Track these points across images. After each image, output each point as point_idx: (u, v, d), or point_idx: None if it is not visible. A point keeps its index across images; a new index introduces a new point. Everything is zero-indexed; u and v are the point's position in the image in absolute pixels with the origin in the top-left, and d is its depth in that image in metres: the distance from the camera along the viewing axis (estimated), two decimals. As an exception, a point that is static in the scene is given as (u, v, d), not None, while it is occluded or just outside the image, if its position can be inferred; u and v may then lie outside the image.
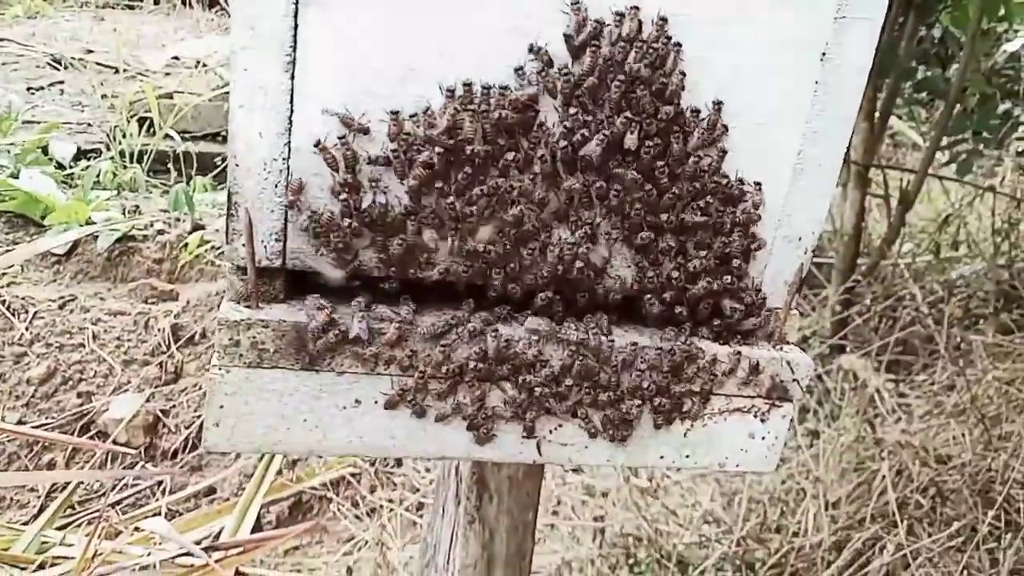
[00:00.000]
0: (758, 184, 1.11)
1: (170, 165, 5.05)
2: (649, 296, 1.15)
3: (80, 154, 5.04)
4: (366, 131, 1.02)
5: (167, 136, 5.06)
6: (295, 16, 0.96)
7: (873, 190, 4.21)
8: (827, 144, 1.11)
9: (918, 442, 3.06)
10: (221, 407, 1.04)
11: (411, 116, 1.02)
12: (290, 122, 1.00)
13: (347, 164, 1.02)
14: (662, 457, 1.19)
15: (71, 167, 4.81)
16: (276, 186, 1.02)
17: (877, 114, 3.85)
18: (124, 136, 5.01)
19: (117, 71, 6.11)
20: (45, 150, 4.85)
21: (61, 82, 6.28)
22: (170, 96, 5.52)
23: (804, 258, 1.16)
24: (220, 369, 1.03)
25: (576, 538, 3.16)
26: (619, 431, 1.14)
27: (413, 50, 1.00)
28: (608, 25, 1.02)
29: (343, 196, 1.03)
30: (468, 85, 1.01)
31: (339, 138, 1.01)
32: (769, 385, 1.18)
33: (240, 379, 1.03)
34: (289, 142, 1.01)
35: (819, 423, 3.40)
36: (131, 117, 5.18)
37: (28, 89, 6.04)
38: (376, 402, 1.08)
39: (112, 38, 7.02)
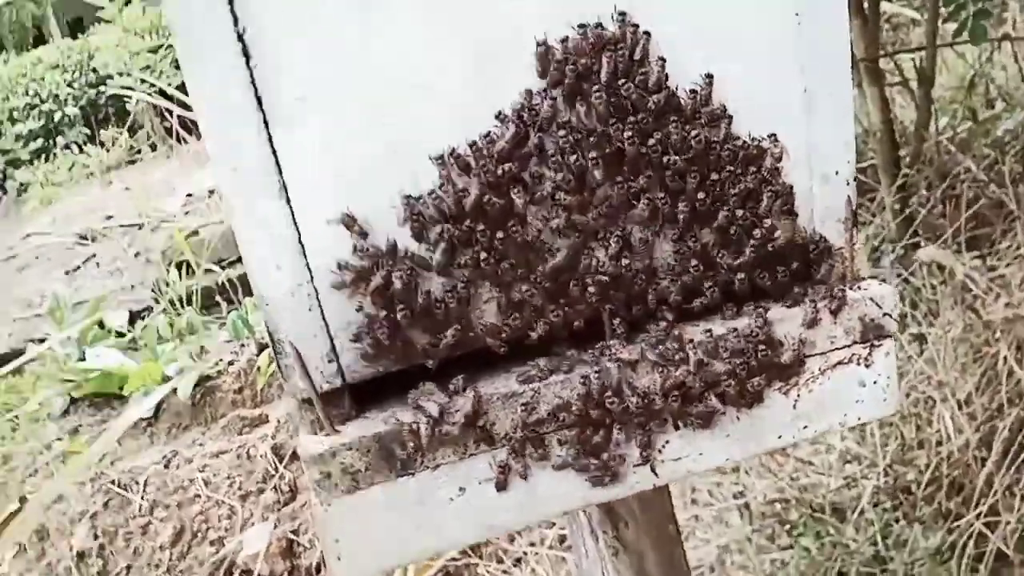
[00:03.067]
0: (772, 136, 1.07)
1: (218, 297, 5.16)
2: (708, 284, 1.10)
3: (134, 316, 5.19)
4: (364, 235, 1.00)
5: (207, 271, 5.18)
6: (270, 142, 0.96)
7: (889, 80, 4.07)
8: (828, 70, 1.06)
9: (1027, 309, 2.91)
10: (336, 541, 1.03)
11: (416, 198, 1.01)
12: (301, 245, 0.99)
13: (373, 268, 1.01)
14: (780, 437, 1.14)
15: (130, 331, 4.95)
16: (310, 310, 1.01)
17: (866, 4, 3.73)
18: (168, 285, 5.14)
19: (141, 226, 6.29)
20: (101, 324, 5.00)
21: (94, 255, 6.49)
22: (196, 232, 5.66)
23: (848, 190, 1.11)
24: (322, 505, 1.02)
25: (724, 521, 3.08)
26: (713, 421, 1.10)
27: (390, 135, 0.99)
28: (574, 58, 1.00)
29: (380, 299, 1.02)
30: (453, 149, 1.00)
31: (355, 248, 1.00)
32: (861, 328, 1.12)
33: (344, 509, 1.02)
34: (307, 263, 1.00)
35: (921, 326, 3.27)
36: (168, 265, 5.33)
37: (66, 272, 6.26)
38: (480, 483, 1.05)
39: (127, 197, 7.24)
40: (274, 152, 0.96)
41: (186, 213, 6.50)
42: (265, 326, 1.01)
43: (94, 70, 10.50)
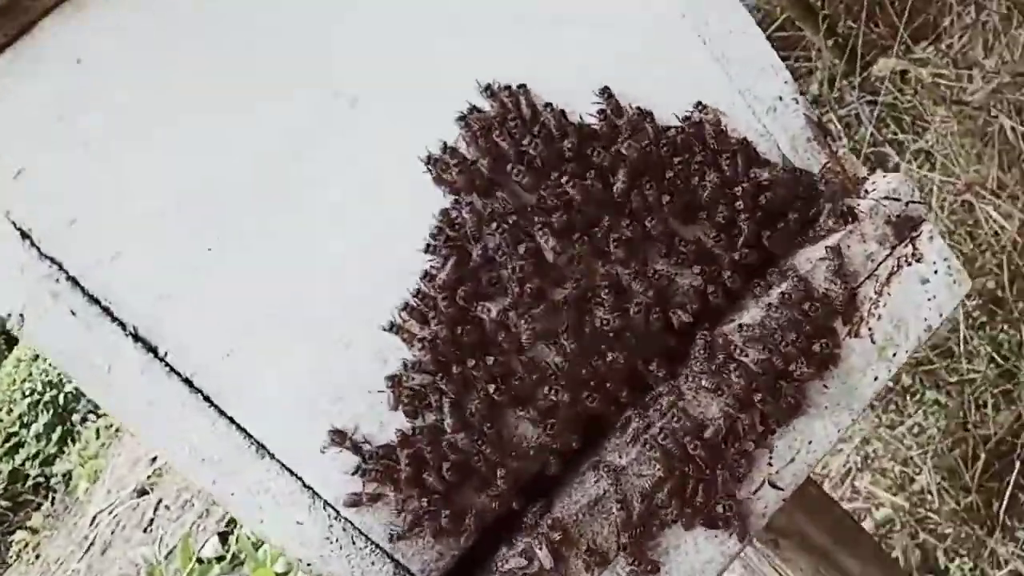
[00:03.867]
0: (699, 104, 0.96)
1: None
2: (723, 274, 0.99)
3: (224, 536, 5.14)
4: (360, 446, 0.91)
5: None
6: (223, 416, 0.86)
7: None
8: (716, 9, 0.95)
9: (1009, 76, 2.77)
10: None
11: (398, 376, 0.91)
12: (308, 488, 0.89)
13: (393, 464, 0.91)
14: (876, 378, 1.02)
15: (226, 550, 4.88)
16: (354, 542, 0.91)
17: None
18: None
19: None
20: (199, 559, 4.94)
21: (160, 501, 6.44)
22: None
23: (801, 108, 1.00)
24: None
25: (898, 484, 2.92)
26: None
27: (336, 341, 0.90)
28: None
29: (416, 486, 0.91)
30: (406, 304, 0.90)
31: (355, 470, 0.90)
32: (892, 230, 1.00)
33: None
34: (322, 500, 0.90)
35: (919, 139, 3.14)
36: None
37: (144, 531, 6.21)
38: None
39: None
40: (233, 423, 0.86)
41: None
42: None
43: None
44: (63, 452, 9.96)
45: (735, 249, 0.99)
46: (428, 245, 0.90)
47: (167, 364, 0.85)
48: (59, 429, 10.28)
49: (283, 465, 0.88)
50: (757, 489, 0.99)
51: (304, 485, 0.89)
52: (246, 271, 0.86)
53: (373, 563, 0.92)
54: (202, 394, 0.85)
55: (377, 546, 0.92)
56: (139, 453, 7.47)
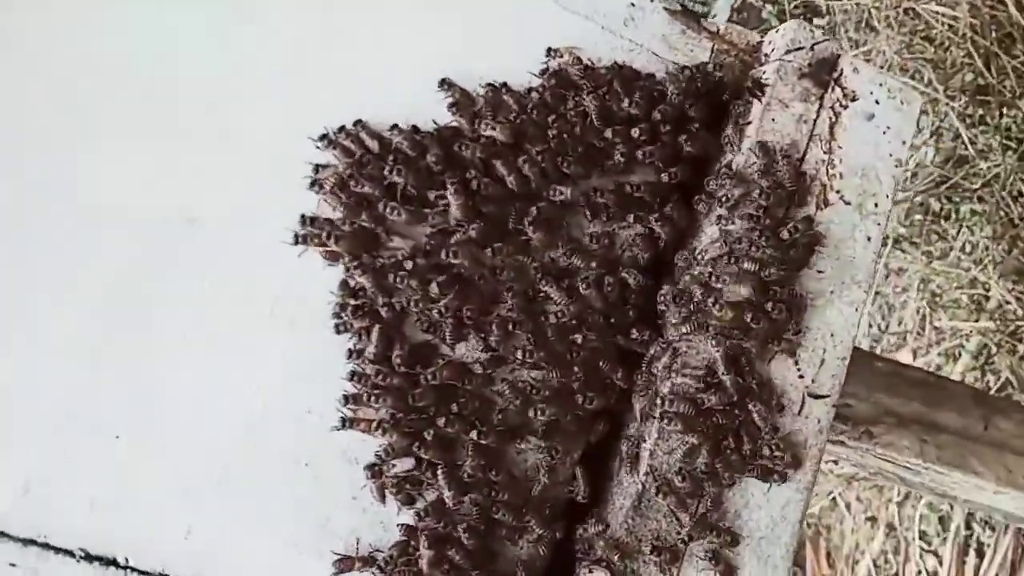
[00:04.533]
0: (549, 51, 0.87)
1: None
2: (663, 207, 0.89)
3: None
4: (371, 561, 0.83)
5: None
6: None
7: None
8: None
9: None
10: None
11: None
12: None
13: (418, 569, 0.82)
14: (869, 238, 0.91)
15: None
16: None
17: None
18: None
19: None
20: None
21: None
22: None
23: (660, 5, 0.89)
24: None
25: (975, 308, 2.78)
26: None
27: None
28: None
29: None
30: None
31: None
32: (810, 81, 0.89)
33: None
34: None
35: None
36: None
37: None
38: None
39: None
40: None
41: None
42: None
43: None
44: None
45: (663, 172, 0.89)
46: (337, 325, 0.81)
47: (133, 570, 0.77)
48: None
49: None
50: (800, 408, 0.89)
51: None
52: (163, 443, 0.79)
53: None
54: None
55: None
56: None
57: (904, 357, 2.79)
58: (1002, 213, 2.73)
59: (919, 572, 2.80)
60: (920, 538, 2.86)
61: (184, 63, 0.83)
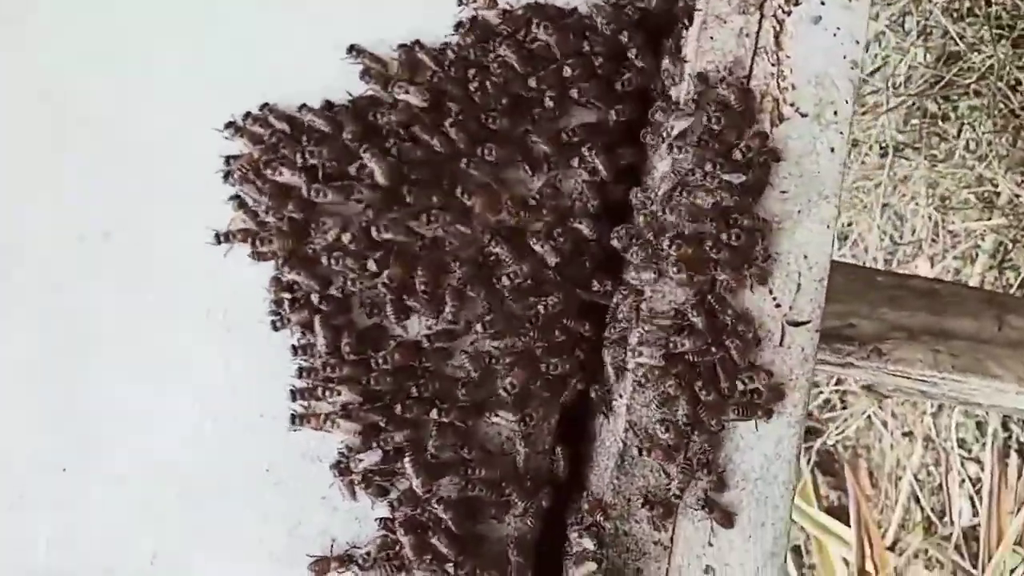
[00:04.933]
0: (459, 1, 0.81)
1: None
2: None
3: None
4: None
5: None
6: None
7: None
8: None
9: None
10: None
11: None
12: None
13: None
14: (832, 148, 0.85)
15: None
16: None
17: None
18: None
19: None
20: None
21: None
22: None
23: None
24: None
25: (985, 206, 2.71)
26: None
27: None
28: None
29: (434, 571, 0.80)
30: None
31: None
32: (745, -8, 0.83)
33: None
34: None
35: None
36: None
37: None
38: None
39: None
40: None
41: None
42: None
43: None
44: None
45: (604, 110, 0.84)
46: (274, 323, 0.77)
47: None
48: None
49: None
50: (781, 339, 0.84)
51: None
52: (111, 468, 0.78)
53: None
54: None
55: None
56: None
57: (922, 265, 2.71)
58: (1001, 105, 2.63)
59: (962, 481, 2.76)
60: (959, 446, 2.80)
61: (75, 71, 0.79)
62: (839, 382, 2.74)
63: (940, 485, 2.77)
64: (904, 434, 2.84)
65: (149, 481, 0.77)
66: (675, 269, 0.79)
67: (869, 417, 2.83)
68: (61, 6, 0.86)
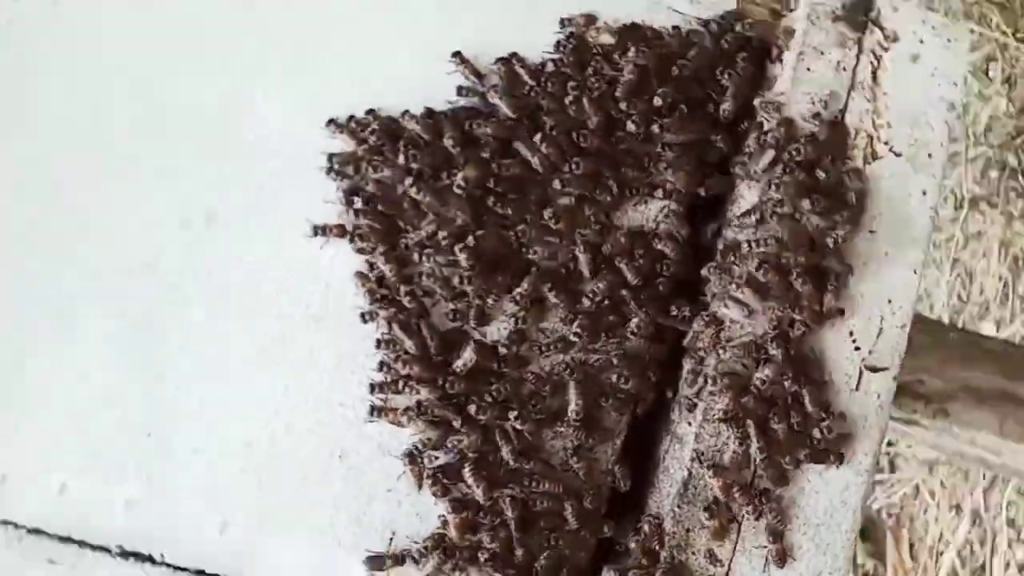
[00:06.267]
0: (562, 21, 0.86)
1: None
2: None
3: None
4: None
5: None
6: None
7: None
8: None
9: None
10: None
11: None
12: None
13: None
14: (924, 191, 0.85)
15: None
16: None
17: None
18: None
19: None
20: None
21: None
22: None
23: None
24: None
25: None
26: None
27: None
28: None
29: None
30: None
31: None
32: (845, 25, 0.85)
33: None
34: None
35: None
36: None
37: None
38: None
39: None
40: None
41: None
42: None
43: None
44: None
45: (700, 137, 0.85)
46: (363, 315, 0.79)
47: (169, 566, 0.76)
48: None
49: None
50: (857, 383, 0.83)
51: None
52: (193, 439, 0.80)
53: None
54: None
55: None
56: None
57: (987, 328, 2.62)
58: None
59: (1007, 564, 2.66)
60: (1009, 526, 2.71)
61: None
62: (890, 444, 2.68)
63: (983, 566, 2.67)
64: (952, 507, 2.75)
65: (227, 456, 0.80)
66: (758, 299, 0.79)
67: (916, 486, 2.75)
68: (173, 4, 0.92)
